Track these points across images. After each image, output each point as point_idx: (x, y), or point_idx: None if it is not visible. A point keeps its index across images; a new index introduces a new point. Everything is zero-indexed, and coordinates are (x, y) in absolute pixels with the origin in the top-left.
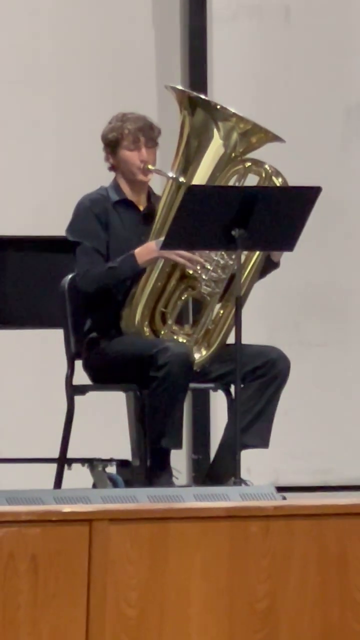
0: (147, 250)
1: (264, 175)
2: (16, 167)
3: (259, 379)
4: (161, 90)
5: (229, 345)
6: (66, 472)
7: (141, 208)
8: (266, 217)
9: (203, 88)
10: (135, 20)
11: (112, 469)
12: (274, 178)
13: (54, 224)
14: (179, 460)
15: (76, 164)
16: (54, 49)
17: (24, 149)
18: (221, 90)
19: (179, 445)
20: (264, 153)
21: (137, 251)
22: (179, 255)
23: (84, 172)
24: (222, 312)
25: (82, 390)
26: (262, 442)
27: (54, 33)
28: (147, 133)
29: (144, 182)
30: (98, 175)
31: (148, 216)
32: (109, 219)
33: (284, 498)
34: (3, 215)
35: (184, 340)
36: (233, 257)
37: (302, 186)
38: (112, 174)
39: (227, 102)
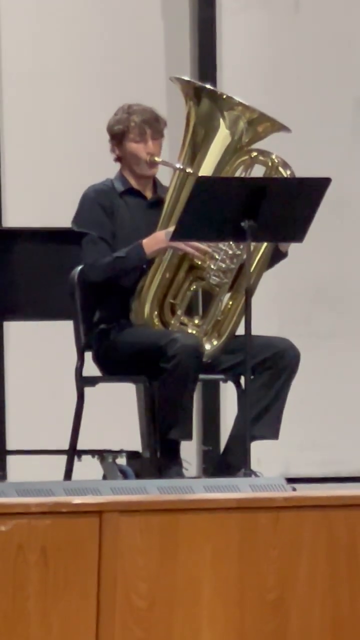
0: (155, 241)
1: (270, 164)
2: (25, 158)
3: (268, 370)
4: (170, 81)
5: (238, 336)
6: (76, 464)
7: (148, 197)
8: (276, 209)
9: (212, 79)
10: (144, 11)
11: (122, 461)
12: (281, 169)
13: (63, 215)
14: (189, 451)
15: (85, 156)
16: (63, 40)
17: (33, 141)
18: (230, 81)
19: (189, 437)
20: (273, 146)
21: (145, 241)
22: (188, 246)
23: (93, 164)
24: (231, 303)
25: (92, 381)
26: (272, 433)
27: (63, 25)
28: (153, 125)
29: (150, 174)
30: (107, 167)
31: (155, 204)
32: (115, 208)
33: (294, 489)
34: (13, 207)
35: (194, 332)
36: (241, 246)
37: (311, 177)
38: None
39: (236, 93)
